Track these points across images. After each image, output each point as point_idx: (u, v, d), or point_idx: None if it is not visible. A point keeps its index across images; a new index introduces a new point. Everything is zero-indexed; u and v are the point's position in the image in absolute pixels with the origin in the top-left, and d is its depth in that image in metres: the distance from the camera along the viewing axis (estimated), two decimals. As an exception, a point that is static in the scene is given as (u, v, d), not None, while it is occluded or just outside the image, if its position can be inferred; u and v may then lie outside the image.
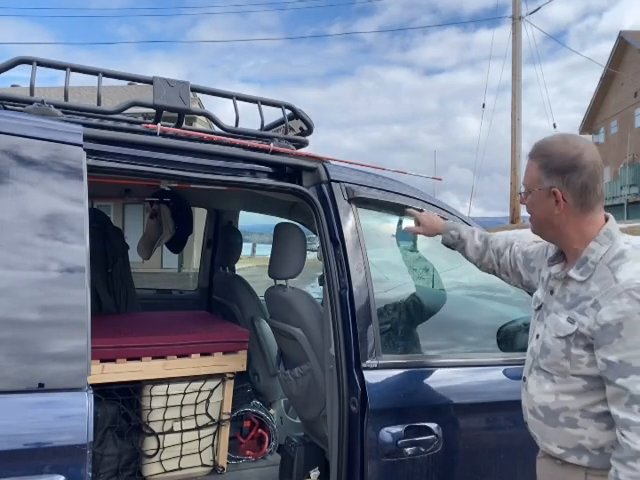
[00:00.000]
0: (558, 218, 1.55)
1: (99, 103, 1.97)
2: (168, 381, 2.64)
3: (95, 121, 2.00)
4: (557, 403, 1.56)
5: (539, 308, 1.71)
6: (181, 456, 2.70)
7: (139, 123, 2.13)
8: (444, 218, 2.27)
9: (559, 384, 1.56)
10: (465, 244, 2.09)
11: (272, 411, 3.25)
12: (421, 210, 2.28)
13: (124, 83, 17.37)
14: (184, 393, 2.67)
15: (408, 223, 2.32)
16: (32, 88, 1.87)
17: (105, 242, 3.46)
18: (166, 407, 2.65)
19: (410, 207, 2.29)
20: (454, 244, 2.12)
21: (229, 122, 2.22)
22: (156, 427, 2.65)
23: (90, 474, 1.44)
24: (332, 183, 2.16)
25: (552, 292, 1.65)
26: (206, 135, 2.12)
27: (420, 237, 2.44)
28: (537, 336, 1.67)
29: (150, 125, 2.00)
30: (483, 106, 17.63)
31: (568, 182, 1.51)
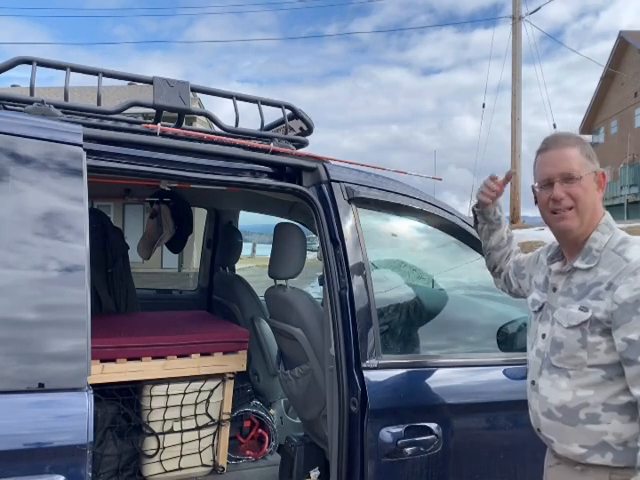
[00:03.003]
0: (599, 203, 1.60)
1: (99, 103, 1.97)
2: (168, 381, 2.64)
3: (95, 121, 2.01)
4: (576, 400, 1.51)
5: (540, 309, 1.69)
6: (181, 456, 2.71)
7: (139, 123, 2.13)
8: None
9: (576, 378, 1.52)
10: (498, 229, 1.99)
11: (272, 411, 3.25)
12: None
13: (124, 83, 17.36)
14: (184, 393, 2.68)
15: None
16: (32, 88, 1.87)
17: (105, 242, 3.46)
18: (166, 407, 2.65)
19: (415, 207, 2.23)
20: (490, 221, 1.98)
21: (229, 122, 2.22)
22: (156, 427, 2.65)
23: (90, 474, 1.44)
24: (332, 183, 2.15)
25: (555, 289, 1.64)
26: (206, 135, 2.12)
27: (419, 237, 2.44)
28: (543, 336, 1.64)
29: (150, 125, 2.00)
30: (483, 106, 17.67)
31: (598, 167, 1.61)
